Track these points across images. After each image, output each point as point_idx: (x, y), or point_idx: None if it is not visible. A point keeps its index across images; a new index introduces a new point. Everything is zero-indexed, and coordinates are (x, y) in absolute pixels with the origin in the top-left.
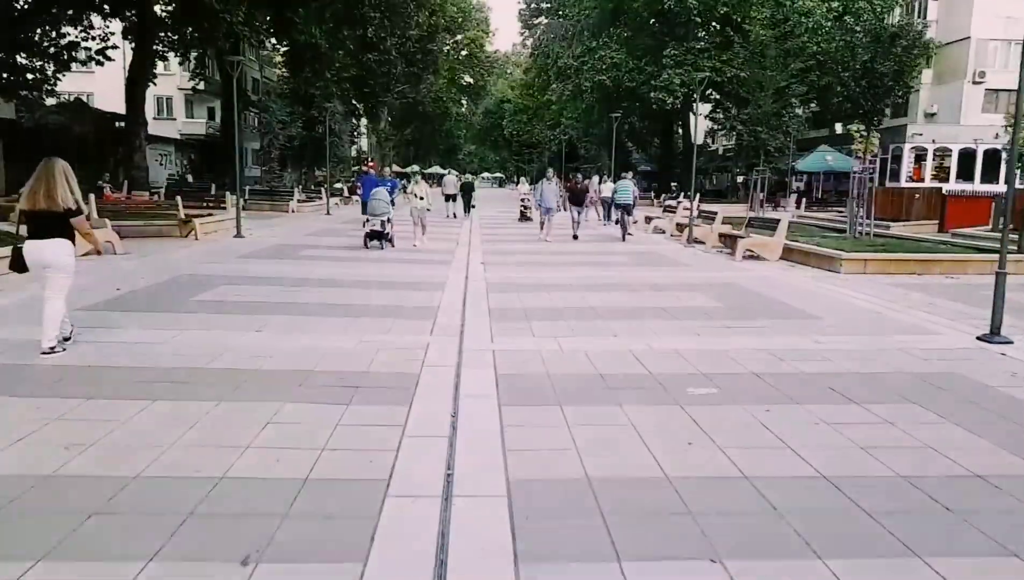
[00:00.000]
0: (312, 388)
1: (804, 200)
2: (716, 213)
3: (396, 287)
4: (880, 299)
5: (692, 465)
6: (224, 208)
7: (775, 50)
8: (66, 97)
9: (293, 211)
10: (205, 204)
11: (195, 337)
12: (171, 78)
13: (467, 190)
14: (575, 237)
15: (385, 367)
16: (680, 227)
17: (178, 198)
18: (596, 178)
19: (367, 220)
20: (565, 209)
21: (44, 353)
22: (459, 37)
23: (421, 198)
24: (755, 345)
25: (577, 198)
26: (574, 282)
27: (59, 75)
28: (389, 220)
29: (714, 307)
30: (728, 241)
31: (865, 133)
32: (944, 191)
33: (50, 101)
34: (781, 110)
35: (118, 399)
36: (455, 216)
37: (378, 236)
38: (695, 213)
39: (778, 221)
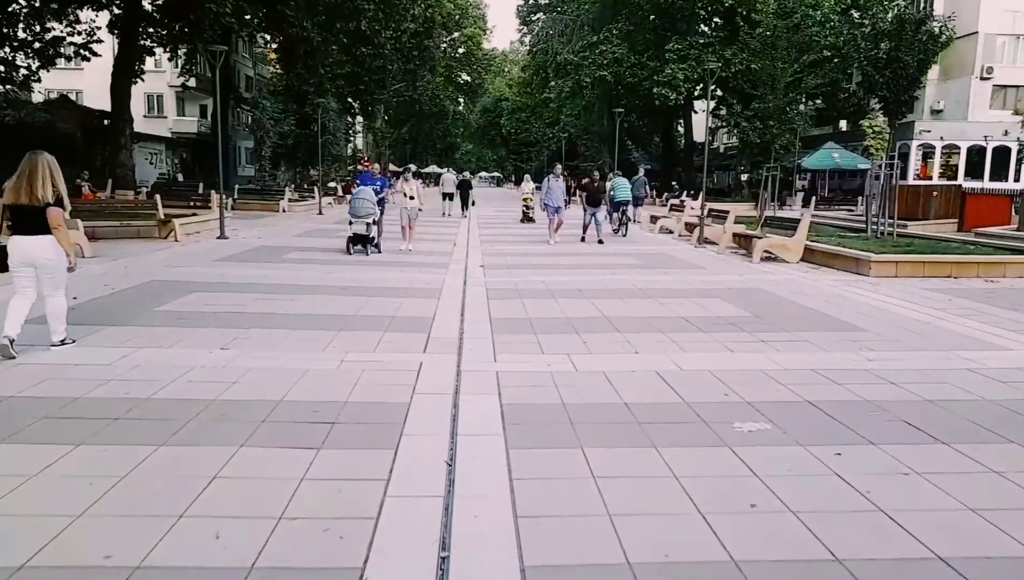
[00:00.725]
0: (278, 425)
1: (814, 198)
2: (727, 212)
3: (387, 294)
4: (923, 306)
5: (763, 541)
6: (211, 208)
7: (786, 41)
8: (52, 94)
9: (284, 210)
10: (192, 203)
11: (149, 357)
12: (162, 75)
13: (465, 188)
14: (583, 239)
15: (369, 394)
16: (689, 227)
17: (157, 197)
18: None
19: (350, 222)
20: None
21: (54, 345)
22: (456, 35)
23: (412, 198)
24: (798, 363)
25: (594, 198)
26: (583, 287)
27: (43, 70)
28: (375, 222)
29: (741, 316)
30: (743, 242)
31: (887, 128)
32: (964, 188)
33: (36, 98)
34: (787, 106)
35: (32, 444)
36: (449, 214)
37: (362, 240)
38: (705, 212)
39: (797, 221)
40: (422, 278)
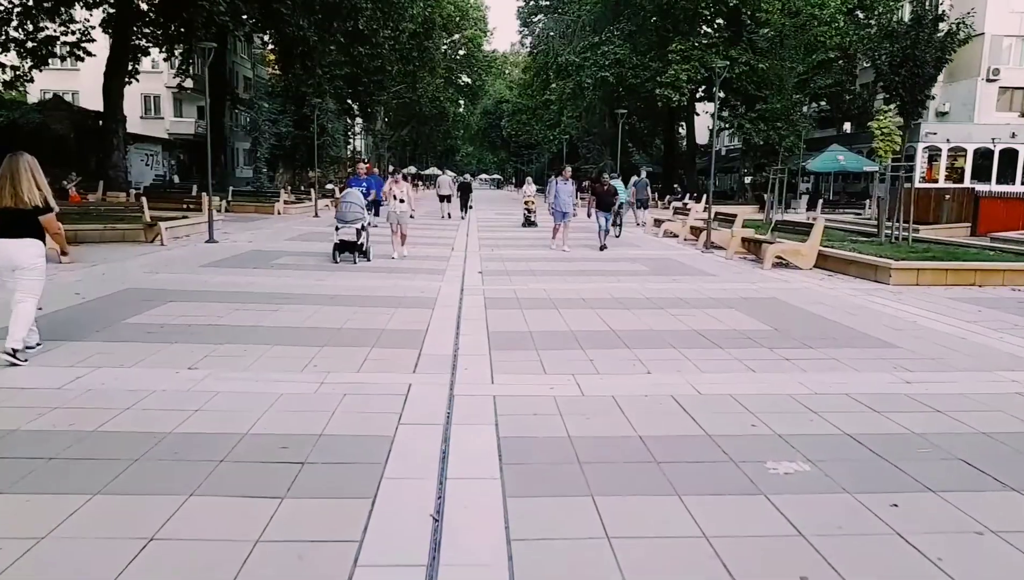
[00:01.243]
0: (238, 466)
1: (821, 201)
2: (735, 216)
3: (378, 304)
4: (953, 318)
5: None
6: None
7: (794, 40)
8: (48, 94)
9: (279, 213)
10: (186, 205)
11: (105, 379)
12: (159, 76)
13: (464, 190)
14: (603, 247)
15: (348, 426)
16: (695, 231)
17: (143, 199)
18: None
19: (336, 228)
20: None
21: (6, 353)
22: (456, 36)
23: (402, 201)
24: (829, 386)
25: (605, 202)
26: (588, 296)
27: (35, 70)
28: (364, 228)
29: (760, 330)
30: (752, 247)
31: (898, 131)
32: (977, 191)
33: (31, 99)
34: (792, 108)
35: None
36: (449, 216)
37: (350, 247)
38: (711, 216)
39: (807, 224)
40: (417, 286)
